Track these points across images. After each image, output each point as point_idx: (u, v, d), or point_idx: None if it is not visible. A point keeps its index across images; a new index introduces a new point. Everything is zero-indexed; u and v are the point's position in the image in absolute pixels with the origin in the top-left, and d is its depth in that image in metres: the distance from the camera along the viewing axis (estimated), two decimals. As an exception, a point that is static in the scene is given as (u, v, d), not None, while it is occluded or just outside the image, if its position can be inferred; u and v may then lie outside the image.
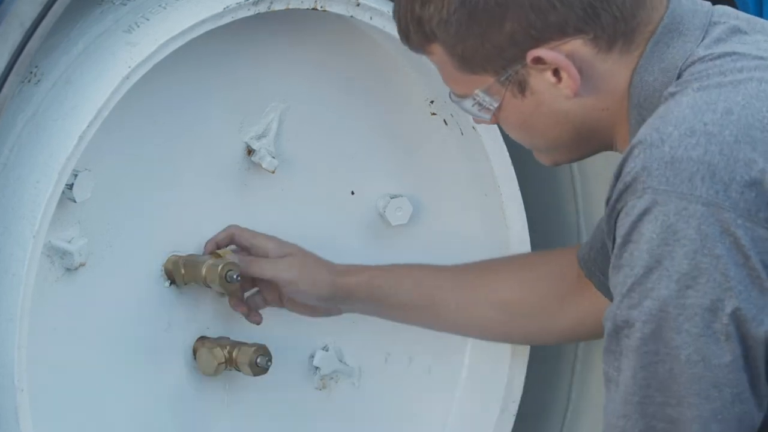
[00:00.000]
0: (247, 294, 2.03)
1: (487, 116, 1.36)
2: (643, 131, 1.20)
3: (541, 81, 1.30)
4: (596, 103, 1.32)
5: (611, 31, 1.27)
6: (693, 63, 1.25)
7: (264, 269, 1.92)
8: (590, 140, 1.39)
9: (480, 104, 1.35)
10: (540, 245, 2.14)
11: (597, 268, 1.66)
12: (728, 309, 1.14)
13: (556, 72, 1.29)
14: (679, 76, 1.25)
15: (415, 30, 1.33)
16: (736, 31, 1.28)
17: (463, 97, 1.37)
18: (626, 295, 1.19)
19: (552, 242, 2.22)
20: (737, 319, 1.14)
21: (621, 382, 1.20)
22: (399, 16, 1.35)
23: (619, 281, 1.20)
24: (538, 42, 1.28)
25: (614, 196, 1.23)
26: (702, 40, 1.27)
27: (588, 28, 1.27)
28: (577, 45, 1.28)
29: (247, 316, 1.99)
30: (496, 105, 1.33)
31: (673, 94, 1.23)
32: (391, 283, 1.72)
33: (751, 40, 1.27)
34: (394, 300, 1.72)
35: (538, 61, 1.28)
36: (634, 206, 1.18)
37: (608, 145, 1.40)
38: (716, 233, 1.12)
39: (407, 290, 1.72)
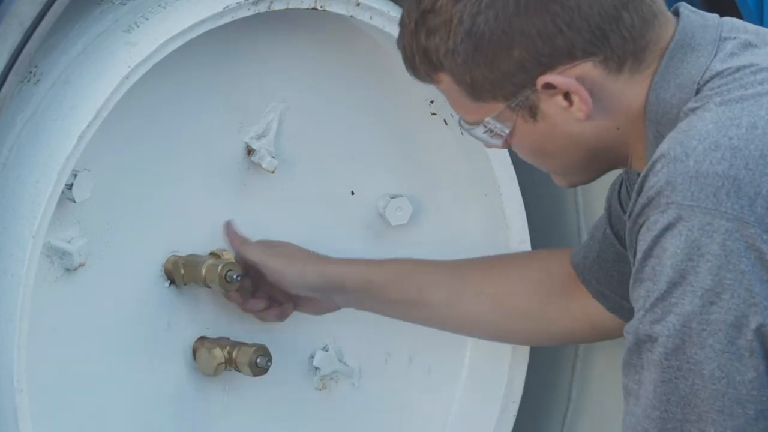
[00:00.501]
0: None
1: (499, 142, 1.36)
2: (666, 145, 1.19)
3: (552, 105, 1.30)
4: (609, 123, 1.32)
5: (621, 52, 1.27)
6: (711, 78, 1.25)
7: (254, 253, 1.92)
8: (603, 160, 1.39)
9: (491, 131, 1.34)
10: (540, 245, 2.14)
11: (593, 276, 1.65)
12: (753, 325, 1.13)
13: (567, 95, 1.28)
14: (697, 92, 1.25)
15: (421, 60, 1.33)
16: (747, 45, 1.27)
17: (474, 124, 1.36)
18: (649, 309, 1.18)
19: (552, 242, 2.22)
20: (762, 335, 1.14)
21: (641, 395, 1.19)
22: (404, 45, 1.35)
23: (641, 295, 1.20)
24: (547, 67, 1.27)
25: (636, 210, 1.22)
26: (715, 55, 1.26)
27: (597, 50, 1.27)
28: (587, 68, 1.27)
29: (263, 314, 1.99)
30: (507, 131, 1.33)
31: (693, 110, 1.22)
32: (381, 276, 1.72)
33: (764, 53, 1.27)
34: (385, 293, 1.72)
35: (549, 86, 1.28)
36: (656, 221, 1.17)
37: (622, 163, 1.40)
38: (741, 249, 1.12)
39: (397, 284, 1.72)
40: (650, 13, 1.27)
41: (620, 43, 1.26)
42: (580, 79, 1.27)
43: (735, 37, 1.28)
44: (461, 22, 1.25)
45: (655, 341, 1.17)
